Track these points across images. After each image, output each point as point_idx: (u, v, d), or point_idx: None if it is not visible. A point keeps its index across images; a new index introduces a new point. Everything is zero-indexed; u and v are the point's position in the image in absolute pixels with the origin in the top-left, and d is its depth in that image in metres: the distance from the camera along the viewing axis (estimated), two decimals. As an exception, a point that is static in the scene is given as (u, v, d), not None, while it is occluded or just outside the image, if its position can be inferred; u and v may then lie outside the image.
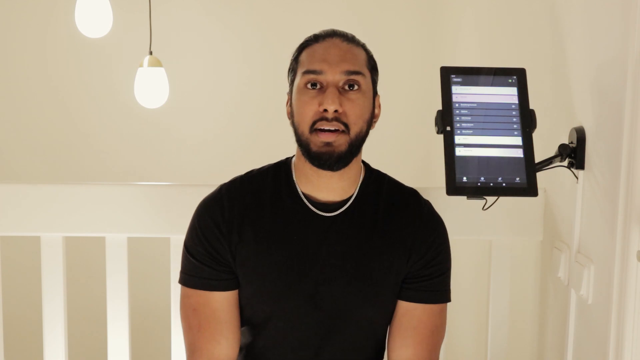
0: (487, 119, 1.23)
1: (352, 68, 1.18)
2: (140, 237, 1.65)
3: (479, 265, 2.23)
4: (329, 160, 1.17)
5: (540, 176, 1.24)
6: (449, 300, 1.28)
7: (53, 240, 1.63)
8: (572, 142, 1.29)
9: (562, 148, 1.29)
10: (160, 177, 3.21)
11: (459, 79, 1.26)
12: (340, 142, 1.16)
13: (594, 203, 1.24)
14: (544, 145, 1.39)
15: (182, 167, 3.30)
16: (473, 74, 1.27)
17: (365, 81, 1.20)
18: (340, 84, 1.18)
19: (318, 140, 1.16)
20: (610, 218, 1.14)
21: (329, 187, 1.23)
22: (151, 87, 2.30)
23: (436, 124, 1.25)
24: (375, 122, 1.26)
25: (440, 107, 1.24)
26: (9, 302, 1.79)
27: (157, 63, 2.31)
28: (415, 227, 1.25)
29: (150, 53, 2.32)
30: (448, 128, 1.22)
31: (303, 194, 1.24)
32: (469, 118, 1.23)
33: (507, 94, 1.26)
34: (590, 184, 1.25)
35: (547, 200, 1.56)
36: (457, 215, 1.59)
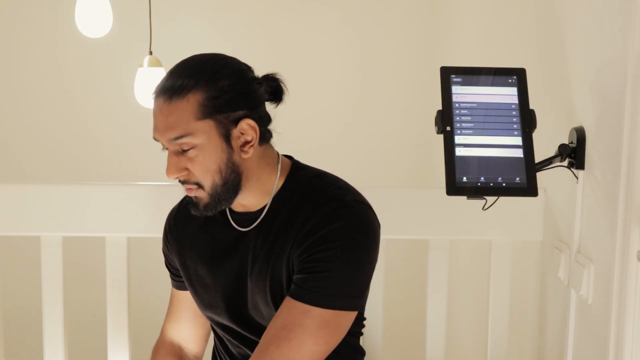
0: (487, 119, 1.23)
1: (174, 135, 1.13)
2: (140, 237, 1.65)
3: (479, 265, 2.23)
4: (198, 212, 1.20)
5: (540, 176, 1.24)
6: (320, 305, 1.12)
7: (53, 240, 1.63)
8: (572, 142, 1.29)
9: (562, 148, 1.29)
10: (161, 177, 3.20)
11: (459, 79, 1.26)
12: (201, 195, 1.18)
13: (594, 203, 1.24)
14: (544, 145, 1.39)
15: (182, 167, 3.30)
16: (473, 74, 1.27)
17: (197, 137, 1.13)
18: (176, 148, 1.16)
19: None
20: (610, 218, 1.14)
21: (242, 202, 1.23)
22: (151, 87, 2.30)
23: (436, 124, 1.25)
24: (250, 146, 1.17)
25: (440, 107, 1.24)
26: (8, 302, 1.79)
27: (157, 63, 2.31)
28: (306, 223, 1.17)
29: (150, 53, 2.32)
30: (448, 128, 1.22)
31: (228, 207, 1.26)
32: (469, 118, 1.23)
33: (507, 94, 1.26)
34: (590, 184, 1.25)
35: (547, 200, 1.56)
36: (457, 215, 1.59)
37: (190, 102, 1.13)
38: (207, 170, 1.15)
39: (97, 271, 1.83)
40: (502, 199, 1.30)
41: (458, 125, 1.22)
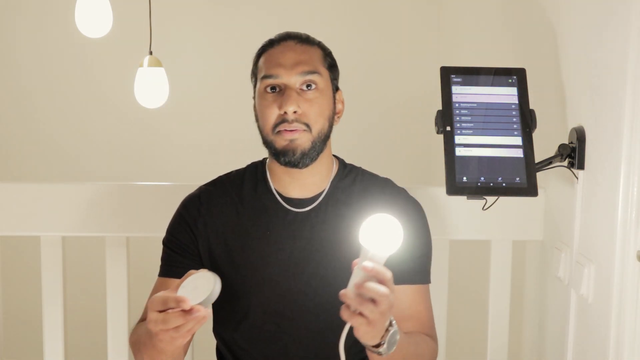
0: (487, 119, 1.23)
1: (307, 69, 1.23)
2: (139, 237, 1.65)
3: (479, 265, 2.23)
4: (294, 156, 1.22)
5: (540, 176, 1.24)
6: (430, 281, 1.33)
7: (53, 240, 1.63)
8: (572, 142, 1.29)
9: (562, 148, 1.29)
10: (160, 177, 3.21)
11: (459, 79, 1.26)
12: (303, 139, 1.22)
13: (594, 203, 1.24)
14: (544, 145, 1.39)
15: (182, 167, 3.30)
16: (473, 74, 1.27)
17: (322, 80, 1.25)
18: (297, 85, 1.23)
19: (281, 139, 1.22)
20: (610, 218, 1.14)
21: (300, 184, 1.28)
22: (151, 87, 2.30)
23: (436, 124, 1.25)
24: (338, 117, 1.31)
25: (440, 107, 1.24)
26: (8, 302, 1.79)
27: (157, 63, 2.31)
28: (391, 211, 1.22)
29: (150, 53, 2.32)
30: (448, 128, 1.22)
31: (276, 191, 1.29)
32: (469, 118, 1.23)
33: (507, 94, 1.26)
34: (590, 184, 1.25)
35: (547, 200, 1.56)
36: (457, 215, 1.59)
37: (317, 51, 1.28)
38: (320, 114, 1.23)
39: (97, 271, 1.83)
40: (502, 199, 1.30)
41: (458, 125, 1.22)
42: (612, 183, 1.13)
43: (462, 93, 1.25)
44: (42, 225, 1.62)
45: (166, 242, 1.33)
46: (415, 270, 1.28)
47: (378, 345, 1.07)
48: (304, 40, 1.28)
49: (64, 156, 3.36)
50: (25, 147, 3.36)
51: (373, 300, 0.98)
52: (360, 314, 0.99)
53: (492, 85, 1.26)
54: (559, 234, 1.46)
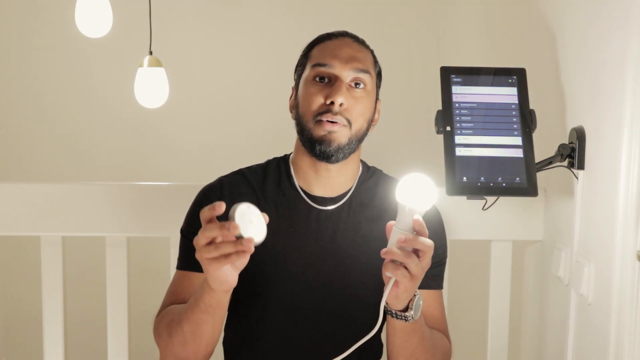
0: (487, 119, 1.23)
1: (360, 66, 1.23)
2: (139, 237, 1.65)
3: (479, 265, 2.23)
4: (329, 147, 1.20)
5: (540, 176, 1.24)
6: (442, 287, 1.35)
7: (53, 240, 1.63)
8: (572, 142, 1.29)
9: (562, 148, 1.29)
10: (160, 177, 3.20)
11: (459, 79, 1.26)
12: (342, 133, 1.21)
13: (594, 203, 1.24)
14: (544, 145, 1.39)
15: (182, 167, 3.30)
16: (473, 74, 1.27)
17: (370, 82, 1.25)
18: (348, 80, 1.22)
19: (320, 129, 1.21)
20: (610, 218, 1.14)
21: (325, 183, 1.27)
22: (151, 87, 2.30)
23: (436, 124, 1.25)
24: (373, 125, 1.30)
25: (440, 107, 1.24)
26: (9, 302, 1.79)
27: (157, 63, 2.30)
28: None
29: (150, 53, 2.32)
30: (448, 128, 1.22)
31: (301, 188, 1.28)
32: (469, 118, 1.23)
33: (507, 94, 1.26)
34: (590, 184, 1.25)
35: (547, 200, 1.56)
36: (457, 215, 1.59)
37: (370, 55, 1.29)
38: (363, 113, 1.23)
39: (97, 271, 1.83)
40: (502, 199, 1.30)
41: (458, 125, 1.22)
42: (612, 183, 1.13)
43: (462, 93, 1.25)
44: (42, 225, 1.62)
45: (185, 232, 1.28)
46: (432, 275, 1.26)
47: (406, 309, 1.12)
48: (361, 41, 1.29)
49: (63, 156, 3.36)
50: (25, 147, 3.36)
51: (416, 255, 1.03)
52: (404, 268, 1.03)
53: (492, 85, 1.26)
54: (559, 233, 1.46)
